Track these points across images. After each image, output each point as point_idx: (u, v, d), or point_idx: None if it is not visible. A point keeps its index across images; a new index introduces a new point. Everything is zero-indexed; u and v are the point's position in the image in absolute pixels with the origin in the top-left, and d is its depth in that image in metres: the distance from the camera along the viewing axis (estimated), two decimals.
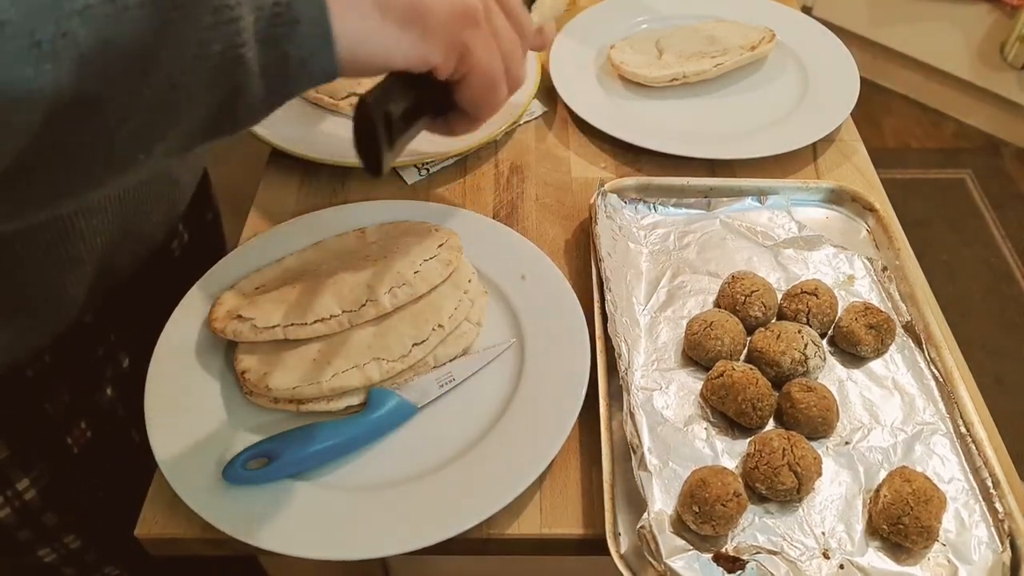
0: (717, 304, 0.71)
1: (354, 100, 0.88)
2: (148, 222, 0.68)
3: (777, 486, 0.57)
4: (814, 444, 0.60)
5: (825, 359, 0.66)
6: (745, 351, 0.68)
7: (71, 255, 0.60)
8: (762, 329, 0.67)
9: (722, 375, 0.62)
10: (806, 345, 0.64)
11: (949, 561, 0.56)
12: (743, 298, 0.68)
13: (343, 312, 0.64)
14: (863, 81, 0.95)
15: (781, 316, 0.70)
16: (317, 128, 0.88)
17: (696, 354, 0.66)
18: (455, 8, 0.49)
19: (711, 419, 0.63)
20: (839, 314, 0.69)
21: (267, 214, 0.80)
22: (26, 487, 0.66)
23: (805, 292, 0.69)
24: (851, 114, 0.91)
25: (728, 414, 0.62)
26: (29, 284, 0.60)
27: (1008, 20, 2.28)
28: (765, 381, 0.62)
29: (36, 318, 0.62)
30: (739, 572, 0.54)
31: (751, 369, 0.63)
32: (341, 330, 0.64)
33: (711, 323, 0.66)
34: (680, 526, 0.57)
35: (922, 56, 2.52)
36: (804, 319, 0.68)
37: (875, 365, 0.67)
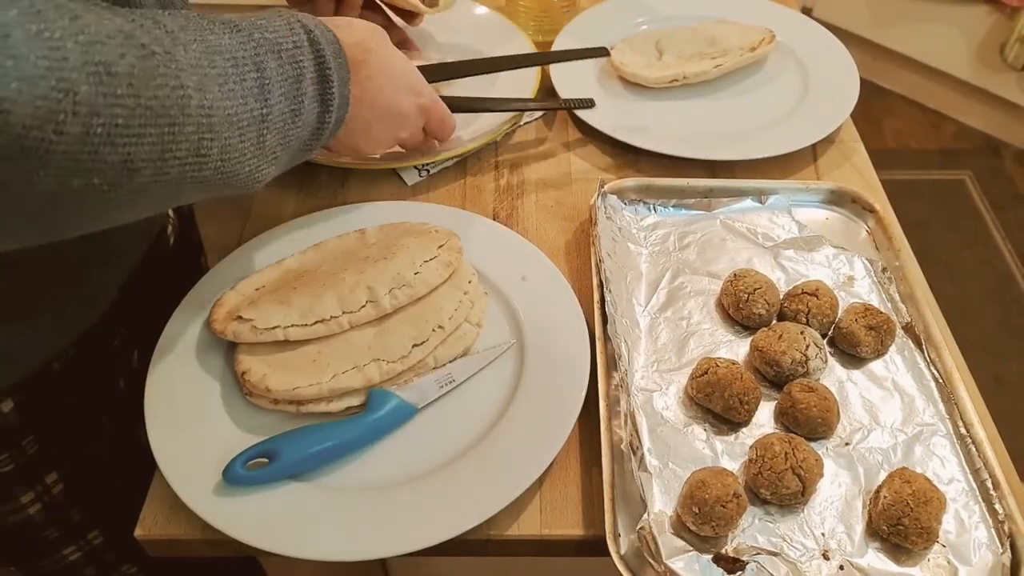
0: (720, 303, 0.71)
1: None
2: None
3: (782, 490, 0.57)
4: (814, 445, 0.60)
5: (827, 361, 0.66)
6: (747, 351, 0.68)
7: (105, 238, 0.61)
8: (765, 328, 0.67)
9: (707, 372, 0.63)
10: (808, 346, 0.64)
11: (949, 562, 0.56)
12: (746, 296, 0.69)
13: (343, 313, 0.64)
14: (863, 82, 0.95)
15: (782, 316, 0.70)
16: None
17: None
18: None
19: (711, 420, 0.63)
20: (839, 315, 0.69)
21: (267, 215, 0.80)
22: (54, 481, 0.68)
23: (806, 293, 0.69)
24: (851, 115, 0.92)
25: (716, 410, 0.62)
26: (70, 272, 0.62)
27: (1008, 21, 2.28)
28: (749, 375, 0.63)
29: (74, 306, 0.64)
30: (739, 573, 0.54)
31: (734, 364, 0.63)
32: (341, 331, 0.64)
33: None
34: (680, 527, 0.57)
35: (922, 57, 2.52)
36: (804, 319, 0.68)
37: (875, 366, 0.67)
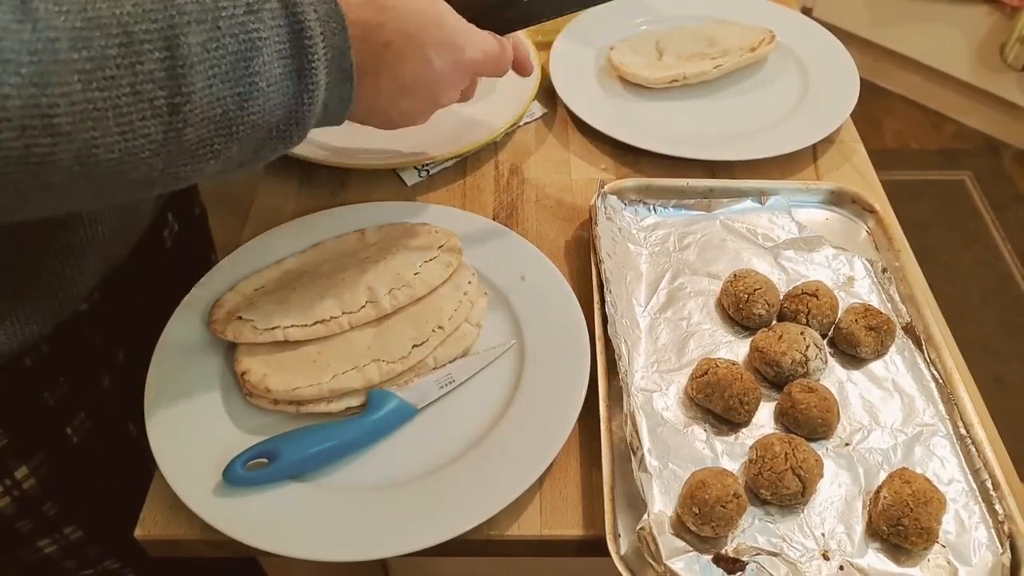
0: (720, 303, 0.71)
1: None
2: (140, 210, 0.68)
3: (782, 491, 0.56)
4: (814, 445, 0.60)
5: (827, 361, 0.66)
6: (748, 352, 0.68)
7: (73, 243, 0.60)
8: (765, 329, 0.67)
9: (707, 373, 0.63)
10: (807, 347, 0.64)
11: (949, 563, 0.56)
12: (746, 296, 0.69)
13: (343, 313, 0.64)
14: (863, 82, 0.95)
15: (782, 317, 0.70)
16: (316, 129, 0.87)
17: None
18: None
19: (711, 420, 0.63)
20: (839, 315, 0.69)
21: (266, 215, 0.80)
22: (25, 476, 0.67)
23: (806, 293, 0.69)
24: (851, 115, 0.91)
25: (716, 411, 0.62)
26: (32, 272, 0.60)
27: (1008, 21, 2.28)
28: (749, 375, 0.63)
29: (38, 307, 0.62)
30: (739, 573, 0.54)
31: (734, 364, 0.63)
32: (341, 331, 0.64)
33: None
34: (680, 527, 0.57)
35: (922, 57, 2.52)
36: (804, 320, 0.68)
37: (875, 366, 0.67)
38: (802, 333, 0.65)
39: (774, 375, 0.64)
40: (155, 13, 0.41)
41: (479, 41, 0.60)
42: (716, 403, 0.62)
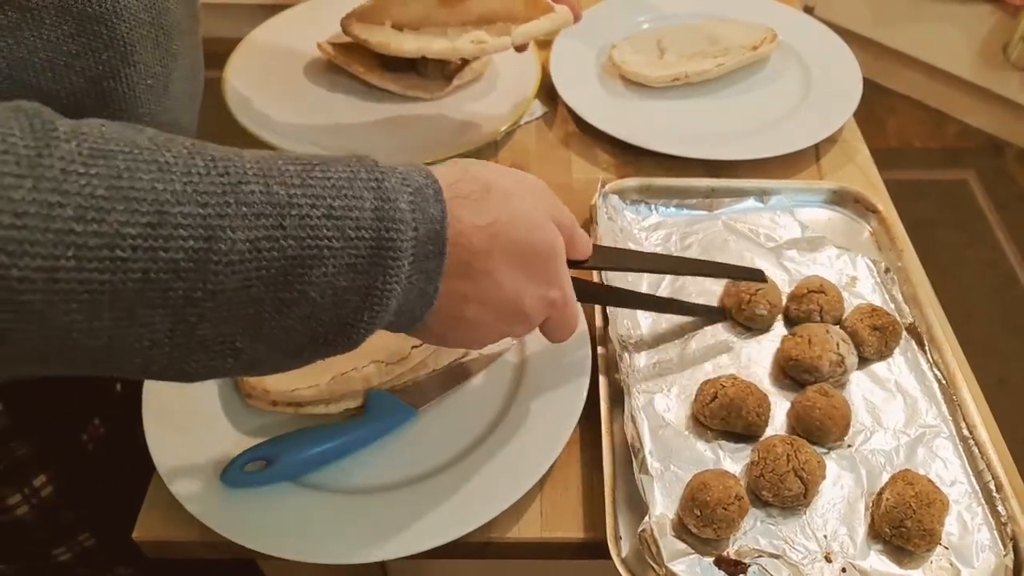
0: (721, 303, 0.71)
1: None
2: None
3: (784, 493, 0.56)
4: (816, 447, 0.60)
5: (855, 354, 0.65)
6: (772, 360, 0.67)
7: None
8: (789, 336, 0.66)
9: (716, 396, 0.61)
10: (838, 344, 0.64)
11: (951, 564, 0.55)
12: (748, 296, 0.68)
13: None
14: (865, 81, 0.94)
15: (788, 317, 0.69)
16: (319, 128, 0.87)
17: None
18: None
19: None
20: (845, 315, 0.69)
21: None
22: (43, 483, 0.67)
23: (812, 291, 0.68)
24: (854, 114, 0.91)
25: (737, 431, 0.61)
26: None
27: (1011, 20, 2.28)
28: (754, 384, 0.62)
29: None
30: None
31: (735, 378, 0.62)
32: None
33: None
34: (681, 530, 0.56)
35: (925, 56, 2.51)
36: (818, 317, 0.67)
37: (878, 367, 0.67)
38: (827, 331, 0.65)
39: (814, 382, 0.63)
40: (208, 197, 0.35)
41: (568, 288, 0.52)
42: (736, 423, 0.61)
